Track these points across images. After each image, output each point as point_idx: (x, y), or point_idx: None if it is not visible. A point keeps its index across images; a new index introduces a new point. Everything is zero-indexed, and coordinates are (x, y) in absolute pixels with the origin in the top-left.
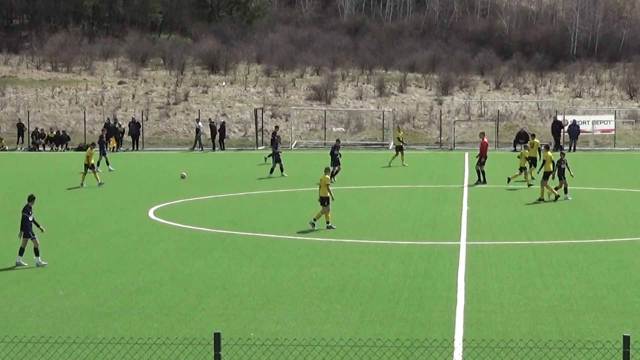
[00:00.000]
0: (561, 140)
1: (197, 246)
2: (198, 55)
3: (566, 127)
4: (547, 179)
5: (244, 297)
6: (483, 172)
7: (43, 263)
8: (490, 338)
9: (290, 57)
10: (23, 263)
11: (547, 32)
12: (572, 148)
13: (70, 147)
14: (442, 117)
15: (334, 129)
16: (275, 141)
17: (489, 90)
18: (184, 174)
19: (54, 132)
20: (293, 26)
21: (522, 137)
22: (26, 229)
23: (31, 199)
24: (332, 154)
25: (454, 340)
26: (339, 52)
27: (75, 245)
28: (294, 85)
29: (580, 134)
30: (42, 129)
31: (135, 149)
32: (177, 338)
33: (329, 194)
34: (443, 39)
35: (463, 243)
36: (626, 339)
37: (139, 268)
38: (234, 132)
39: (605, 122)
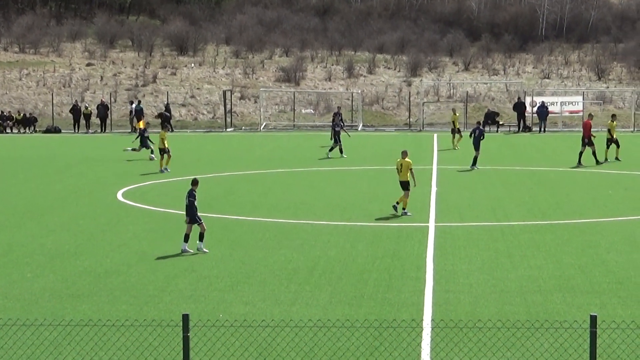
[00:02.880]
0: (529, 122)
1: (166, 228)
2: (166, 36)
3: (535, 108)
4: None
5: (212, 279)
6: (594, 153)
7: (205, 250)
8: (459, 318)
9: (259, 39)
10: (188, 249)
11: (516, 13)
12: (541, 129)
13: (37, 130)
14: (411, 99)
15: (303, 111)
16: (336, 121)
17: (458, 72)
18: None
19: (22, 115)
20: (262, 7)
21: (490, 118)
22: (192, 214)
23: (195, 182)
24: (333, 128)
25: (422, 320)
26: (308, 34)
27: (43, 228)
28: (263, 66)
29: (549, 115)
30: (9, 112)
31: (104, 131)
32: (146, 320)
33: (410, 179)
34: (412, 20)
35: (432, 224)
36: (593, 319)
37: (108, 250)
38: (203, 114)
39: (574, 103)
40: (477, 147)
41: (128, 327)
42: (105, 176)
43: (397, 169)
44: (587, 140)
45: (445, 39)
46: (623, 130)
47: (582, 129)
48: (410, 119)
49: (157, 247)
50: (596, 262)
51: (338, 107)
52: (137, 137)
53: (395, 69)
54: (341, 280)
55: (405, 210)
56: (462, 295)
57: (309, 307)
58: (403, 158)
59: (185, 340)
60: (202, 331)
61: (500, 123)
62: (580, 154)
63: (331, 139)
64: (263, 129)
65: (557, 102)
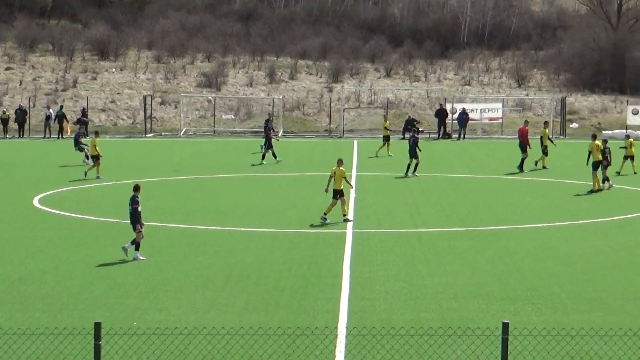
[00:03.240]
0: (449, 128)
1: (82, 234)
2: (88, 41)
3: (455, 115)
4: (597, 169)
5: (128, 286)
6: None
7: (142, 258)
8: (374, 325)
9: (181, 44)
10: (140, 257)
11: (438, 20)
12: (461, 136)
13: None
14: (332, 105)
15: (224, 117)
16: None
17: (380, 78)
18: None
19: None
20: (184, 12)
21: (411, 124)
22: (135, 220)
23: (137, 188)
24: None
25: (337, 328)
26: (230, 39)
27: None
28: (184, 71)
29: (469, 122)
30: None
31: (22, 136)
32: (58, 328)
33: (345, 184)
34: (335, 26)
35: (349, 231)
36: (505, 326)
37: (22, 257)
38: (123, 119)
39: (493, 110)
40: (413, 154)
41: (39, 335)
42: (22, 182)
43: (330, 176)
44: (528, 146)
45: (368, 45)
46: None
47: (517, 136)
48: (331, 125)
49: (73, 253)
50: (512, 269)
51: (269, 113)
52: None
53: (317, 75)
54: (257, 287)
55: (347, 216)
56: (378, 302)
57: (224, 314)
58: (338, 166)
59: (97, 348)
60: (115, 339)
61: (420, 130)
62: (522, 160)
63: (263, 145)
64: (183, 134)
65: (477, 109)
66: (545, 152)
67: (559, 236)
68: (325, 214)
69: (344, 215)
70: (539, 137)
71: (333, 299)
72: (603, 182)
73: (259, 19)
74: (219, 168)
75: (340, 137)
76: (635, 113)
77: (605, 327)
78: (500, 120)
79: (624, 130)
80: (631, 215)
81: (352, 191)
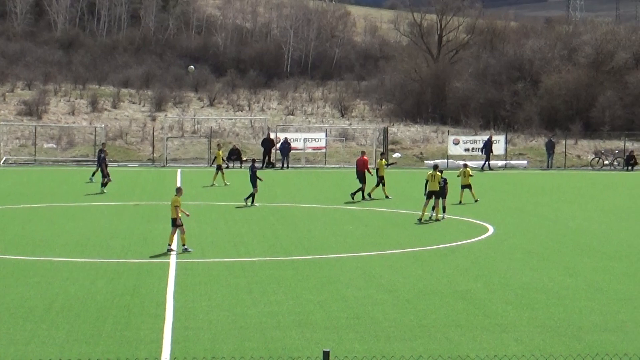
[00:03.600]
0: (272, 158)
1: None
2: None
3: (278, 145)
4: (431, 198)
5: None
6: (362, 190)
7: None
8: (197, 355)
9: (0, 71)
10: None
11: (261, 49)
12: (284, 165)
13: None
14: (155, 134)
15: (45, 145)
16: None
17: (203, 107)
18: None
19: None
20: (4, 40)
21: (234, 154)
22: None
23: None
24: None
25: (160, 358)
26: (52, 67)
27: None
28: (4, 100)
29: (292, 151)
30: None
31: None
32: None
33: (178, 215)
34: (158, 55)
35: (173, 260)
36: (326, 354)
37: None
38: None
39: (317, 140)
40: (254, 184)
41: None
42: None
43: (176, 206)
44: (364, 176)
45: (191, 74)
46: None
47: (355, 166)
48: (154, 154)
49: None
50: (335, 298)
51: (103, 142)
52: None
53: (140, 104)
54: (79, 318)
55: (186, 246)
56: (202, 332)
57: (45, 345)
58: (176, 195)
59: None
60: None
61: (244, 159)
62: (361, 190)
63: (94, 174)
64: (3, 163)
65: (300, 139)
66: (382, 182)
67: (382, 264)
68: (169, 244)
69: (183, 245)
70: (376, 168)
71: (156, 328)
72: (443, 211)
73: (80, 46)
74: (40, 197)
75: (164, 166)
76: (456, 143)
77: (426, 355)
78: (323, 150)
79: (445, 160)
80: (453, 244)
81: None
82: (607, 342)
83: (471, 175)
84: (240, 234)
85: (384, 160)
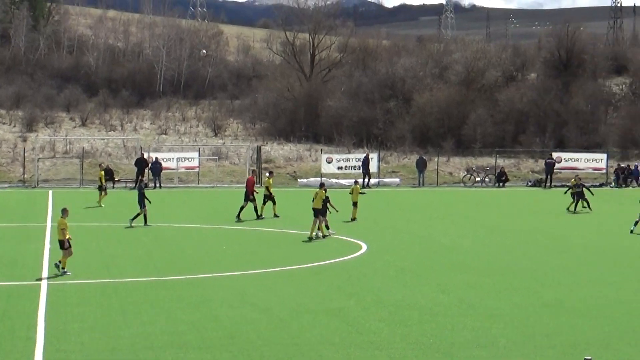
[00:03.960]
0: (146, 178)
1: None
2: None
3: (150, 165)
4: (317, 216)
5: None
6: (255, 208)
7: None
8: None
9: None
10: None
11: (134, 69)
12: (156, 185)
13: None
14: (26, 154)
15: None
16: None
17: (75, 127)
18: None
19: None
20: None
21: (107, 174)
22: None
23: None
24: None
25: None
26: None
27: None
28: None
29: (164, 171)
30: None
31: None
32: None
33: (66, 237)
34: (29, 75)
35: (44, 282)
36: None
37: None
38: None
39: (190, 159)
40: (142, 204)
41: None
42: None
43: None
44: (251, 196)
45: (63, 94)
46: (241, 185)
47: (245, 185)
48: (25, 175)
49: None
50: (209, 317)
51: None
52: None
53: (10, 124)
54: None
55: (65, 270)
56: (74, 354)
57: None
58: (62, 217)
59: None
60: None
61: (117, 179)
62: (242, 208)
63: None
64: None
65: (173, 158)
66: (273, 200)
67: (256, 283)
68: (63, 267)
69: (63, 267)
70: (265, 187)
71: (27, 352)
72: (327, 228)
73: None
74: None
75: (35, 187)
76: (329, 162)
77: None
78: (197, 169)
79: (319, 179)
80: (327, 262)
81: (47, 241)
82: (479, 358)
83: (361, 193)
84: (113, 255)
85: (271, 179)
